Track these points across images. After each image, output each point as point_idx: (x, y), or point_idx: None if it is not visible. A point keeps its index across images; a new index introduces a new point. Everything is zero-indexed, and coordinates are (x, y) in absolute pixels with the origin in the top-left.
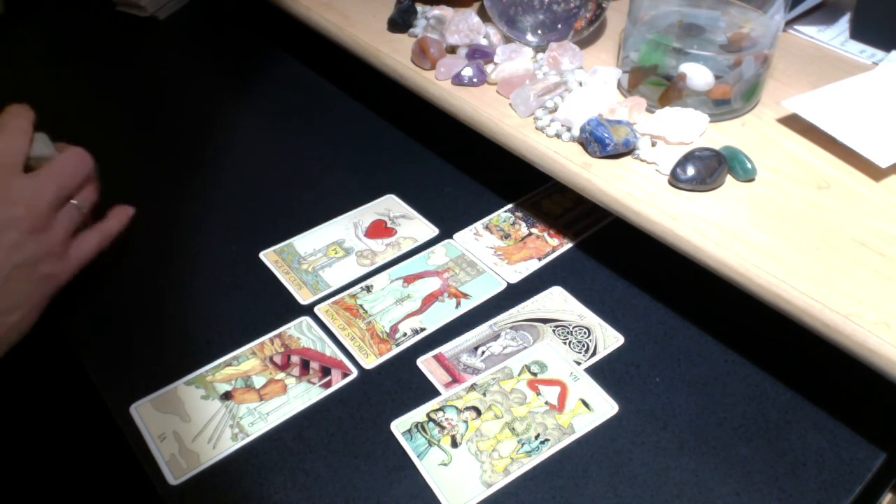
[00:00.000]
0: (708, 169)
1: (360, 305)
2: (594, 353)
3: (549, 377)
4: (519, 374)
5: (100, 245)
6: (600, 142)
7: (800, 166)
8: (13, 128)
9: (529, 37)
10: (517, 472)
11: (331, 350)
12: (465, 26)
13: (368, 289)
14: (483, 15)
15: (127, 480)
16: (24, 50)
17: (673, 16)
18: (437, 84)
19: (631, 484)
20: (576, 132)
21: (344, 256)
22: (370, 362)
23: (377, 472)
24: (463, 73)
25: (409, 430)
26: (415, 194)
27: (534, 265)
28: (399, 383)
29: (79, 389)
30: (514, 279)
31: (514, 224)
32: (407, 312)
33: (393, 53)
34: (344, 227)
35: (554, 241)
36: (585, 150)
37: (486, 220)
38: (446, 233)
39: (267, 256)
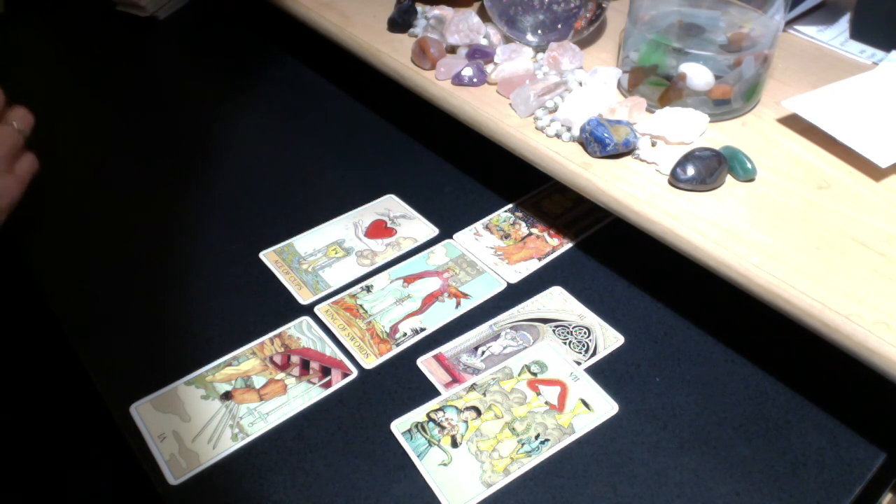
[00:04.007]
0: (708, 169)
1: (360, 305)
2: (594, 353)
3: (549, 377)
4: (519, 374)
5: (33, 168)
6: (600, 142)
7: (800, 166)
8: None
9: (529, 37)
10: (517, 472)
11: (331, 350)
12: (465, 26)
13: (368, 289)
14: (483, 15)
15: (127, 480)
16: (24, 50)
17: (673, 16)
18: (437, 84)
19: (631, 484)
20: (576, 132)
21: (344, 256)
22: (370, 362)
23: (377, 472)
24: (463, 73)
25: (409, 430)
26: (415, 194)
27: (534, 265)
28: (399, 383)
29: (79, 389)
30: (514, 279)
31: (514, 224)
32: (407, 312)
33: (393, 53)
34: (344, 227)
35: (554, 241)
36: (585, 150)
37: (486, 220)
38: (446, 233)
39: (267, 256)
